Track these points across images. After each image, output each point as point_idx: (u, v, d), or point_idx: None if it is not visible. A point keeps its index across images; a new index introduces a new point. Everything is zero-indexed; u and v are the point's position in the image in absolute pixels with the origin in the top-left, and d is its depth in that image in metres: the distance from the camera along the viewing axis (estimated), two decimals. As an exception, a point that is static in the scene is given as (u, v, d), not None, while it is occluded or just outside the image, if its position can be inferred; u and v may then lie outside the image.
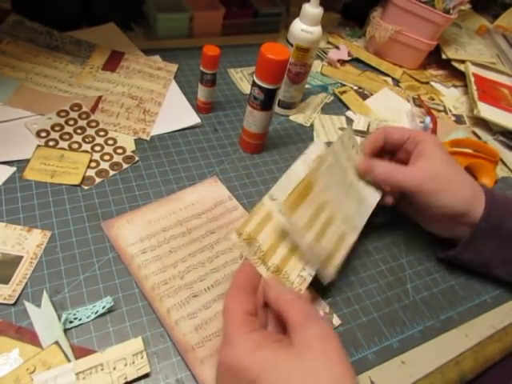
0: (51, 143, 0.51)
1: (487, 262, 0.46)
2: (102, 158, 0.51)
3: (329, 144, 0.52)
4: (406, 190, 0.45)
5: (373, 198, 0.47)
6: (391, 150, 0.50)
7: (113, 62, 0.65)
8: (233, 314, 0.32)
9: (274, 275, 0.37)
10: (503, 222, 0.44)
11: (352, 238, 0.44)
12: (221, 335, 0.38)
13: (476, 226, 0.44)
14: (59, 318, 0.37)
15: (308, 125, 0.65)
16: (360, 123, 0.68)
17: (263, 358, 0.28)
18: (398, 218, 0.53)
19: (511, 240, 0.44)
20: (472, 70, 0.81)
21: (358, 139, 0.50)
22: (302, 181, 0.39)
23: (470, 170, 0.64)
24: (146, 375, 0.35)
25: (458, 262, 0.48)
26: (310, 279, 0.38)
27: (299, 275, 0.38)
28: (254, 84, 0.50)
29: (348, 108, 0.70)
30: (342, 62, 0.81)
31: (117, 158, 0.52)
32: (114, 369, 0.34)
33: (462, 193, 0.44)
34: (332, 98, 0.72)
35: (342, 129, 0.66)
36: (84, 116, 0.55)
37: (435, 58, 0.85)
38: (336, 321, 0.42)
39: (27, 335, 0.35)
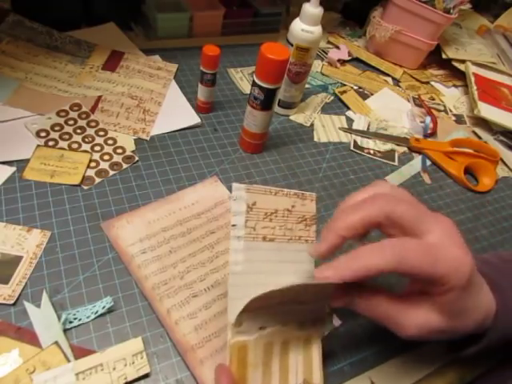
0: (51, 143, 0.51)
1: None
2: (101, 157, 0.51)
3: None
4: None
5: (307, 265, 0.36)
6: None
7: (113, 61, 0.65)
8: None
9: None
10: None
11: (320, 332, 0.36)
12: (220, 336, 0.38)
13: (481, 343, 0.36)
14: (59, 318, 0.36)
15: (308, 125, 0.65)
16: (360, 123, 0.68)
17: None
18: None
19: None
20: (472, 69, 0.81)
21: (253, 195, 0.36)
22: (231, 358, 0.32)
23: (470, 169, 0.64)
24: (146, 375, 0.35)
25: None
26: None
27: None
28: (253, 84, 0.50)
29: (348, 108, 0.70)
30: (342, 62, 0.81)
31: (116, 158, 0.52)
32: (114, 369, 0.34)
33: (474, 325, 0.34)
34: (332, 97, 0.72)
35: (342, 128, 0.66)
36: (84, 116, 0.55)
37: (435, 58, 0.85)
38: (336, 321, 0.42)
39: (27, 335, 0.35)
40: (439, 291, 0.31)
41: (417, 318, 0.33)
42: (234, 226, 0.34)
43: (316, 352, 0.35)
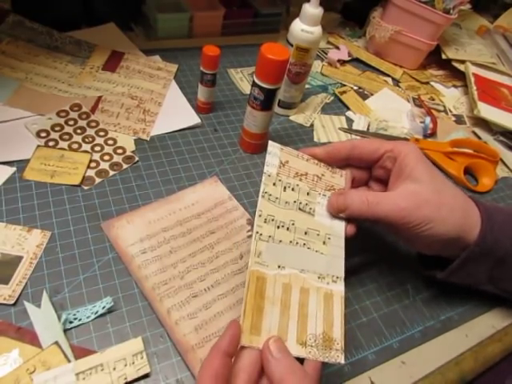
0: (51, 143, 0.51)
1: (477, 281, 0.43)
2: (101, 158, 0.51)
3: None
4: (389, 223, 0.37)
5: (338, 229, 0.39)
6: (363, 166, 0.43)
7: (113, 62, 0.65)
8: (210, 379, 0.29)
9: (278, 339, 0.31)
10: (497, 244, 0.39)
11: (339, 290, 0.36)
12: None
13: (468, 250, 0.39)
14: (59, 318, 0.36)
15: (308, 125, 0.65)
16: (360, 123, 0.68)
17: None
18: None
19: (504, 260, 0.40)
20: (472, 70, 0.81)
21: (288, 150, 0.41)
22: (249, 284, 0.33)
23: (470, 170, 0.64)
24: (146, 375, 0.35)
25: (445, 282, 0.43)
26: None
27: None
28: (253, 84, 0.50)
29: (348, 108, 0.70)
30: (342, 62, 0.81)
31: (117, 158, 0.52)
32: (114, 369, 0.34)
33: (454, 218, 0.38)
34: (332, 98, 0.72)
35: (342, 128, 0.66)
36: (84, 116, 0.55)
37: (435, 58, 0.85)
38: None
39: (27, 335, 0.35)
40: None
41: (396, 195, 0.38)
42: (266, 173, 0.37)
43: (337, 308, 0.35)
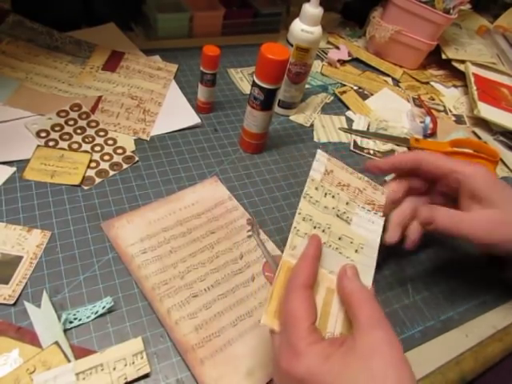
0: (51, 143, 0.51)
1: None
2: (101, 158, 0.51)
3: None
4: (469, 241, 0.40)
5: (373, 232, 0.40)
6: (425, 179, 0.45)
7: (113, 62, 0.65)
8: (299, 322, 0.30)
9: (354, 266, 0.34)
10: None
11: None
12: (220, 336, 0.38)
13: None
14: (59, 318, 0.36)
15: (308, 125, 0.65)
16: (360, 123, 0.68)
17: (333, 368, 0.28)
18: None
19: None
20: (472, 70, 0.81)
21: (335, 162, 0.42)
22: (280, 272, 0.34)
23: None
24: (146, 375, 0.35)
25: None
26: None
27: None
28: (254, 84, 0.50)
29: (348, 108, 0.70)
30: (342, 62, 0.81)
31: (117, 158, 0.52)
32: (114, 369, 0.34)
33: None
34: (332, 98, 0.72)
35: (342, 128, 0.66)
36: (84, 116, 0.55)
37: (435, 58, 0.85)
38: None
39: (27, 335, 0.35)
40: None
41: (476, 218, 0.40)
42: (310, 177, 0.39)
43: None
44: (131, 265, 0.42)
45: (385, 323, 0.30)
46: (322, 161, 0.41)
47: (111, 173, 0.50)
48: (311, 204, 0.38)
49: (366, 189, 0.42)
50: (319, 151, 0.42)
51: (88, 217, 0.45)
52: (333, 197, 0.39)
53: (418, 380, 0.40)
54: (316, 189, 0.39)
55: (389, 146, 0.65)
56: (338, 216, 0.39)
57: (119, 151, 0.53)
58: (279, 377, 0.31)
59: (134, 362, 0.35)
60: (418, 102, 0.75)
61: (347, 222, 0.39)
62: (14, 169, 0.47)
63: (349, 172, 0.42)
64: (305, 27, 0.55)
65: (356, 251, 0.38)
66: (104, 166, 0.51)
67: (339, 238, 0.37)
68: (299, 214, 0.37)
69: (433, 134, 0.69)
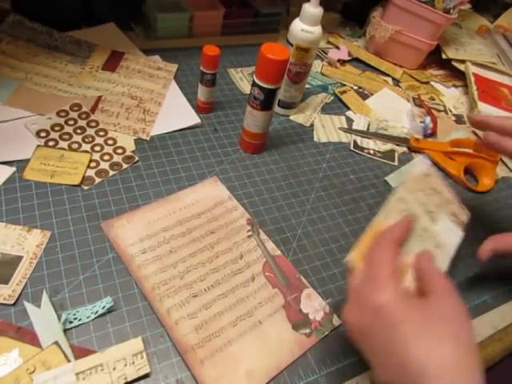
0: (51, 143, 0.51)
1: None
2: (101, 158, 0.51)
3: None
4: None
5: (452, 239, 0.42)
6: None
7: (113, 61, 0.65)
8: (388, 261, 0.32)
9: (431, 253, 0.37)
10: None
11: None
12: (220, 336, 0.38)
13: None
14: (59, 318, 0.36)
15: (308, 125, 0.65)
16: (360, 123, 0.68)
17: (410, 307, 0.30)
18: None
19: None
20: (472, 69, 0.81)
21: (436, 175, 0.45)
22: (371, 229, 0.37)
23: (470, 169, 0.64)
24: (146, 375, 0.35)
25: None
26: None
27: None
28: (254, 84, 0.50)
29: (348, 108, 0.70)
30: (342, 62, 0.81)
31: (117, 158, 0.52)
32: (114, 369, 0.34)
33: None
34: (332, 97, 0.72)
35: (342, 128, 0.66)
36: (84, 116, 0.55)
37: (435, 58, 0.85)
38: (336, 321, 0.42)
39: (27, 335, 0.35)
40: None
41: None
42: (412, 173, 0.42)
43: None
44: (131, 265, 0.42)
45: (457, 295, 0.32)
46: (425, 164, 0.44)
47: (111, 173, 0.50)
48: (408, 191, 0.40)
49: (454, 203, 0.44)
50: (423, 158, 0.46)
51: (88, 217, 0.45)
52: (427, 195, 0.41)
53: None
54: (415, 182, 0.42)
55: (389, 146, 0.65)
56: (426, 212, 0.40)
57: (119, 151, 0.53)
58: (353, 308, 0.33)
59: (133, 362, 0.35)
60: (418, 102, 0.75)
61: (433, 221, 0.40)
62: (14, 169, 0.47)
63: (444, 185, 0.45)
64: (305, 27, 0.55)
65: (434, 247, 0.39)
66: (104, 165, 0.51)
67: (423, 229, 0.39)
68: (395, 194, 0.40)
69: (433, 134, 0.69)
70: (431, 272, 0.33)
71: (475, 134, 0.72)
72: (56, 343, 0.35)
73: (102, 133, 0.54)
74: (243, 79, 0.70)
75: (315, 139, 0.63)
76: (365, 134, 0.66)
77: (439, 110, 0.76)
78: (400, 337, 0.29)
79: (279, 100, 0.63)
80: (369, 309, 0.31)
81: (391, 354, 0.29)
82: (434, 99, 0.78)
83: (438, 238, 0.40)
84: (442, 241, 0.40)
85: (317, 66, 0.78)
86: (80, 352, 0.35)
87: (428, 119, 0.69)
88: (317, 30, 0.56)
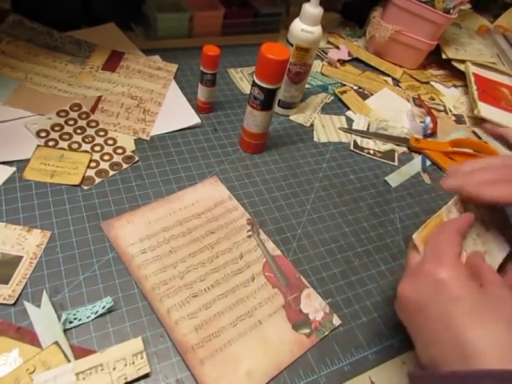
0: (51, 143, 0.51)
1: None
2: (101, 158, 0.51)
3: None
4: None
5: (500, 252, 0.41)
6: None
7: (113, 61, 0.65)
8: (454, 243, 0.34)
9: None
10: None
11: None
12: (220, 336, 0.38)
13: None
14: (59, 318, 0.36)
15: (308, 125, 0.65)
16: (360, 123, 0.68)
17: (472, 287, 0.31)
18: (398, 218, 0.53)
19: None
20: (472, 69, 0.81)
21: None
22: (436, 217, 0.38)
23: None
24: (146, 375, 0.35)
25: None
26: None
27: None
28: (254, 84, 0.50)
29: (348, 108, 0.70)
30: (342, 62, 0.81)
31: (117, 158, 0.52)
32: (114, 369, 0.34)
33: None
34: (332, 98, 0.72)
35: (342, 128, 0.66)
36: (84, 116, 0.55)
37: (435, 58, 0.85)
38: (336, 321, 0.42)
39: (27, 335, 0.35)
40: None
41: None
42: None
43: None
44: (131, 265, 0.42)
45: (509, 288, 0.33)
46: None
47: (111, 173, 0.50)
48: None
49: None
50: None
51: (88, 217, 0.45)
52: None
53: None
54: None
55: (389, 146, 0.65)
56: (481, 221, 0.41)
57: (119, 151, 0.53)
58: (411, 283, 0.34)
59: (133, 362, 0.35)
60: (418, 102, 0.75)
61: (487, 230, 0.41)
62: (14, 169, 0.47)
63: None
64: (305, 27, 0.55)
65: (484, 252, 0.39)
66: (104, 165, 0.51)
67: (477, 235, 0.40)
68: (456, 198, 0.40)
69: (433, 134, 0.69)
70: (485, 267, 0.34)
71: (475, 134, 0.72)
72: (56, 343, 0.35)
73: (102, 133, 0.54)
74: (243, 79, 0.70)
75: (315, 139, 0.63)
76: (365, 133, 0.66)
77: (439, 110, 0.76)
78: (458, 312, 0.30)
79: (279, 100, 0.63)
80: (429, 283, 0.32)
81: (447, 328, 0.30)
82: (434, 99, 0.78)
83: (488, 246, 0.40)
84: (492, 248, 0.41)
85: (317, 66, 0.78)
86: (80, 352, 0.35)
87: (428, 119, 0.69)
88: (317, 30, 0.56)
